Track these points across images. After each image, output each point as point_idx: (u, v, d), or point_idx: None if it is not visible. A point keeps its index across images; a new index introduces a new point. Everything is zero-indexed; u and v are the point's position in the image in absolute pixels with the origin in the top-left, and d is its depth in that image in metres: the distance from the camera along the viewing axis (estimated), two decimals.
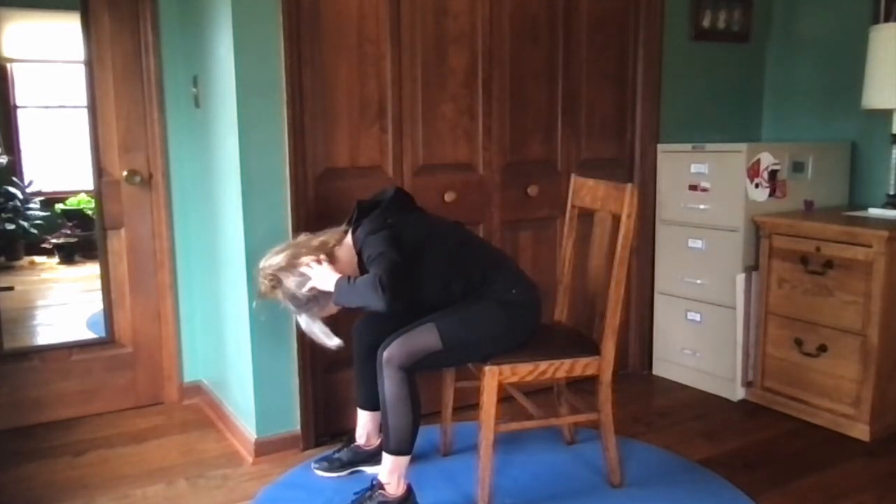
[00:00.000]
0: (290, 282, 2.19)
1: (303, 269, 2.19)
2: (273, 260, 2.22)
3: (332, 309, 2.26)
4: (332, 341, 2.27)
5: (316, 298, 2.21)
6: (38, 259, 3.33)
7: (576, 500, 2.34)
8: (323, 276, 2.17)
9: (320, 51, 2.60)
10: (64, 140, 3.19)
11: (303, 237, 2.30)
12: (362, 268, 2.21)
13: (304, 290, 2.19)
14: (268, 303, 2.48)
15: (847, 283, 2.79)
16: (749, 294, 3.12)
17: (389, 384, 2.11)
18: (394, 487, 2.16)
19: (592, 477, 2.48)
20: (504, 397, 2.42)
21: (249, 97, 2.49)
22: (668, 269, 3.42)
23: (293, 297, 2.21)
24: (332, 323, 2.74)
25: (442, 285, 2.23)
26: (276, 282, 2.20)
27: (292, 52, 2.52)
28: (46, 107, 3.22)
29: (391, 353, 2.11)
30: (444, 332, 2.14)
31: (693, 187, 3.24)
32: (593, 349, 2.33)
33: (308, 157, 2.63)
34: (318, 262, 2.19)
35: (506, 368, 2.21)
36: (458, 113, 2.90)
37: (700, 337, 3.30)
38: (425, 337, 2.13)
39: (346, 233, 2.31)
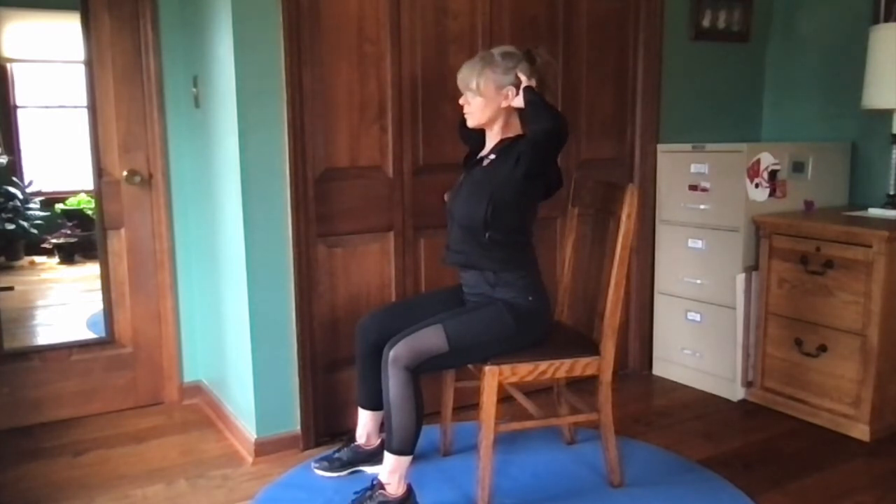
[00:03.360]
0: (524, 66, 2.27)
1: (532, 78, 2.27)
2: (537, 52, 2.34)
3: (492, 90, 2.27)
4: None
5: (509, 75, 2.26)
6: (38, 259, 3.33)
7: (576, 500, 2.34)
8: (531, 83, 2.27)
9: (320, 51, 2.60)
10: (64, 140, 3.19)
11: None
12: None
13: (518, 71, 2.26)
14: (268, 301, 2.48)
15: (847, 283, 2.79)
16: (749, 294, 3.12)
17: (394, 384, 2.11)
18: (394, 487, 2.16)
19: (592, 477, 2.48)
20: (504, 397, 2.41)
21: (249, 97, 2.49)
22: (668, 269, 3.42)
23: (512, 57, 2.28)
24: (331, 320, 2.74)
25: (494, 217, 2.23)
26: (528, 57, 2.30)
27: (292, 52, 2.52)
28: (46, 107, 3.22)
29: (398, 352, 2.11)
30: (451, 334, 2.14)
31: (693, 187, 3.24)
32: (593, 349, 2.33)
33: (308, 157, 2.63)
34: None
35: (506, 368, 2.22)
36: (459, 113, 2.89)
37: (700, 337, 3.30)
38: (432, 338, 2.14)
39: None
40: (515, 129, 2.33)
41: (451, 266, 2.39)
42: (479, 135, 2.41)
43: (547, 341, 2.37)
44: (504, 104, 2.28)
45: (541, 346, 2.31)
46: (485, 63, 2.28)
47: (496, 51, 2.32)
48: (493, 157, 2.32)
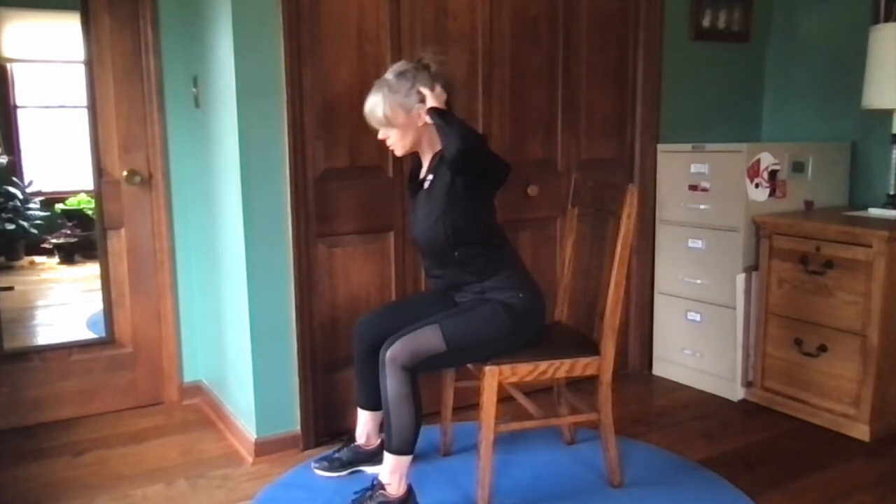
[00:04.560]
0: (425, 73, 2.22)
1: (437, 86, 2.21)
2: (443, 62, 2.28)
3: (401, 115, 2.22)
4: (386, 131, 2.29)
5: (411, 96, 2.21)
6: (38, 259, 3.33)
7: (576, 500, 2.34)
8: (438, 100, 2.19)
9: (320, 51, 2.60)
10: (64, 140, 3.19)
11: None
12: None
13: (420, 86, 2.20)
14: (268, 301, 2.48)
15: (847, 283, 2.79)
16: (749, 294, 3.12)
17: (392, 384, 2.11)
18: (394, 487, 2.16)
19: (592, 477, 2.48)
20: (504, 397, 2.41)
21: (249, 97, 2.49)
22: (668, 269, 3.41)
23: (407, 75, 2.22)
24: (331, 320, 2.74)
25: (454, 235, 2.22)
26: (425, 66, 2.24)
27: (292, 52, 2.52)
28: (46, 107, 3.22)
29: (394, 352, 2.11)
30: (448, 334, 2.15)
31: (693, 187, 3.24)
32: (593, 349, 2.33)
33: (308, 157, 2.63)
34: (442, 94, 2.22)
35: (506, 368, 2.22)
36: (458, 113, 2.89)
37: (700, 337, 3.30)
38: (429, 338, 2.14)
39: None
40: None
41: (438, 291, 2.38)
42: (415, 154, 2.38)
43: (546, 340, 2.37)
44: (420, 123, 2.23)
45: (540, 344, 2.32)
46: (384, 92, 2.21)
47: (389, 74, 2.25)
48: (430, 177, 2.29)
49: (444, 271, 2.31)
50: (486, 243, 2.27)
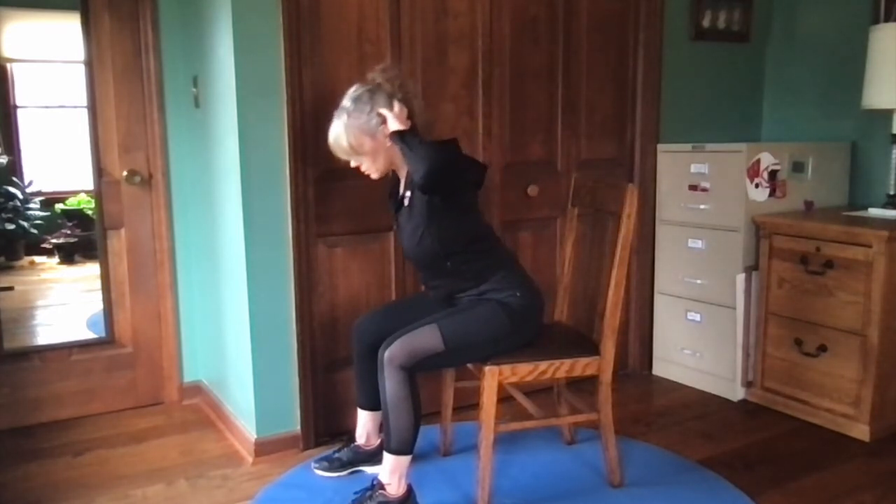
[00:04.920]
0: (381, 93, 2.19)
1: (395, 104, 2.19)
2: (396, 76, 2.25)
3: (367, 142, 2.21)
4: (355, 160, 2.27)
5: (372, 120, 2.19)
6: (38, 259, 3.33)
7: (576, 500, 2.34)
8: (399, 119, 2.17)
9: (320, 51, 2.60)
10: (64, 140, 3.19)
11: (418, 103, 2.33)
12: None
13: (379, 108, 2.18)
14: (268, 301, 2.48)
15: (847, 283, 2.79)
16: (749, 294, 3.12)
17: (390, 384, 2.11)
18: (394, 487, 2.16)
19: (592, 477, 2.48)
20: (504, 397, 2.41)
21: (249, 97, 2.49)
22: (668, 269, 3.41)
23: (362, 99, 2.20)
24: (331, 320, 2.75)
25: (441, 248, 2.22)
26: (379, 86, 2.21)
27: (292, 52, 2.52)
28: (46, 107, 3.22)
29: (392, 352, 2.11)
30: (447, 333, 2.14)
31: (693, 187, 3.24)
32: (593, 349, 2.33)
33: (308, 157, 2.63)
34: (402, 109, 2.20)
35: (506, 368, 2.21)
36: (458, 113, 2.90)
37: (700, 337, 3.30)
38: (427, 337, 2.14)
39: None
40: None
41: (438, 300, 2.37)
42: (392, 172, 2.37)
43: (546, 340, 2.37)
44: (389, 144, 2.20)
45: (539, 344, 2.32)
46: (344, 121, 2.20)
47: (347, 101, 2.23)
48: (409, 193, 2.28)
49: (440, 281, 2.31)
50: (476, 249, 2.27)
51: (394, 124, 2.16)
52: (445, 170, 2.08)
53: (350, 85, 2.64)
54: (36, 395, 2.99)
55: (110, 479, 2.53)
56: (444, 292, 2.33)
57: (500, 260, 2.31)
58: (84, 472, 2.59)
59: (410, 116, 2.22)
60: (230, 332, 2.82)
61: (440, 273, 2.28)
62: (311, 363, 2.71)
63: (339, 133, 2.21)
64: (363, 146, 2.22)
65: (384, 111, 2.18)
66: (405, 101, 2.23)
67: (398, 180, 2.37)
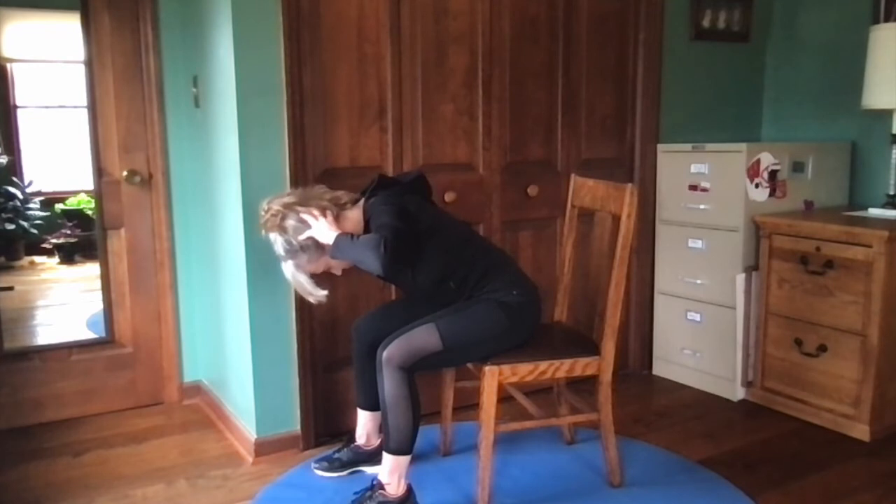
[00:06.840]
0: (290, 223, 2.18)
1: (305, 216, 2.18)
2: (283, 198, 2.22)
3: (320, 265, 2.26)
4: (318, 292, 2.27)
5: (308, 249, 2.20)
6: (38, 259, 3.33)
7: (576, 500, 2.34)
8: (323, 230, 2.16)
9: (320, 51, 2.60)
10: (64, 140, 3.19)
11: (318, 188, 2.31)
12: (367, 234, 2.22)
13: (301, 237, 2.18)
14: (268, 301, 2.48)
15: (847, 283, 2.79)
16: (749, 294, 3.12)
17: (389, 384, 2.11)
18: (394, 487, 2.16)
19: (592, 477, 2.48)
20: (504, 397, 2.41)
21: (249, 97, 2.49)
22: (668, 269, 3.42)
23: (287, 241, 2.19)
24: (331, 320, 2.74)
25: (438, 277, 2.25)
26: (280, 218, 2.18)
27: (292, 52, 2.52)
28: (46, 107, 3.22)
29: (391, 352, 2.11)
30: (445, 333, 2.14)
31: (693, 187, 3.24)
32: (593, 349, 2.33)
33: (308, 157, 2.63)
34: (324, 215, 2.19)
35: (506, 368, 2.21)
36: (458, 113, 2.90)
37: (700, 337, 3.30)
38: (425, 337, 2.13)
39: (360, 198, 2.32)
40: (357, 217, 2.27)
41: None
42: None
43: (546, 340, 2.37)
44: (332, 229, 2.15)
45: (539, 344, 2.32)
46: (292, 270, 2.22)
47: (280, 251, 2.21)
48: None
49: (448, 298, 2.30)
50: (470, 261, 2.27)
51: (326, 237, 2.15)
52: (396, 251, 2.04)
53: (350, 85, 2.66)
54: (36, 395, 2.99)
55: (110, 479, 2.53)
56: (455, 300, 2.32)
57: (497, 263, 2.31)
58: (84, 472, 2.59)
59: (324, 213, 2.20)
60: (230, 332, 2.82)
61: (447, 294, 2.28)
62: (311, 363, 2.71)
63: (295, 276, 2.25)
64: (320, 268, 2.27)
65: (309, 233, 2.17)
66: (308, 207, 2.19)
67: None
